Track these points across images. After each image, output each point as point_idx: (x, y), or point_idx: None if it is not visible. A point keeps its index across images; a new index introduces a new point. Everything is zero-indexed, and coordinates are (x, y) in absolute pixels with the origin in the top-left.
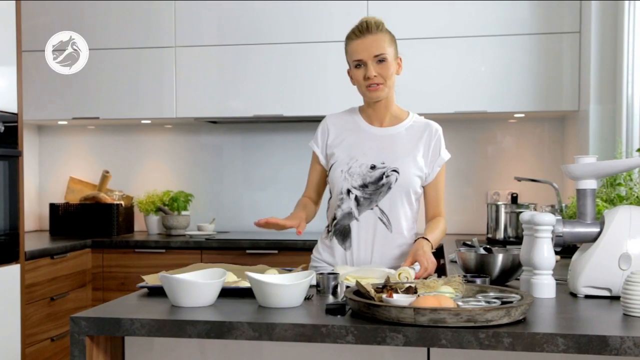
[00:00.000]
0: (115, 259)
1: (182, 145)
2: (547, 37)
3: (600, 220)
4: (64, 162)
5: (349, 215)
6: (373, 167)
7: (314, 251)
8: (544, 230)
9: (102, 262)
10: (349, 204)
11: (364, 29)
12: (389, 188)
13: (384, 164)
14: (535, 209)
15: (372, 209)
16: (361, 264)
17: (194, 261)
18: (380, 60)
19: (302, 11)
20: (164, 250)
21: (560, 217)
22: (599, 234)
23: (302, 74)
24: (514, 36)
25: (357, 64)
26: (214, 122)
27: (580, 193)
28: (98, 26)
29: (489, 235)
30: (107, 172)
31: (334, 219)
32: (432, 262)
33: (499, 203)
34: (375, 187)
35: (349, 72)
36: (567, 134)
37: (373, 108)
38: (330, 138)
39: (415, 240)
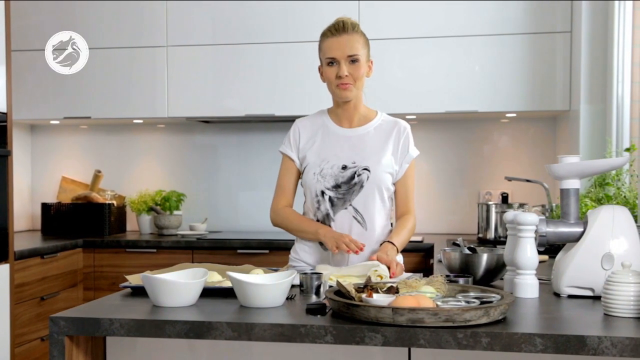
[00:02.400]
0: (106, 259)
1: (174, 144)
2: (538, 37)
3: (583, 220)
4: (56, 161)
5: (327, 216)
6: (344, 168)
7: (291, 252)
8: (527, 230)
9: (93, 262)
10: (325, 206)
11: (340, 28)
12: (362, 187)
13: (354, 163)
14: (525, 209)
15: (346, 208)
16: (339, 263)
17: (185, 261)
18: (353, 60)
19: (294, 11)
20: (155, 250)
21: (544, 217)
22: (583, 233)
23: (294, 74)
24: (505, 36)
25: (330, 62)
26: (206, 121)
27: (564, 193)
28: (90, 25)
29: (480, 235)
30: (99, 171)
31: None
32: (399, 266)
33: (489, 203)
34: (347, 186)
35: (319, 69)
36: (559, 133)
37: (342, 108)
38: (302, 142)
39: (381, 244)
